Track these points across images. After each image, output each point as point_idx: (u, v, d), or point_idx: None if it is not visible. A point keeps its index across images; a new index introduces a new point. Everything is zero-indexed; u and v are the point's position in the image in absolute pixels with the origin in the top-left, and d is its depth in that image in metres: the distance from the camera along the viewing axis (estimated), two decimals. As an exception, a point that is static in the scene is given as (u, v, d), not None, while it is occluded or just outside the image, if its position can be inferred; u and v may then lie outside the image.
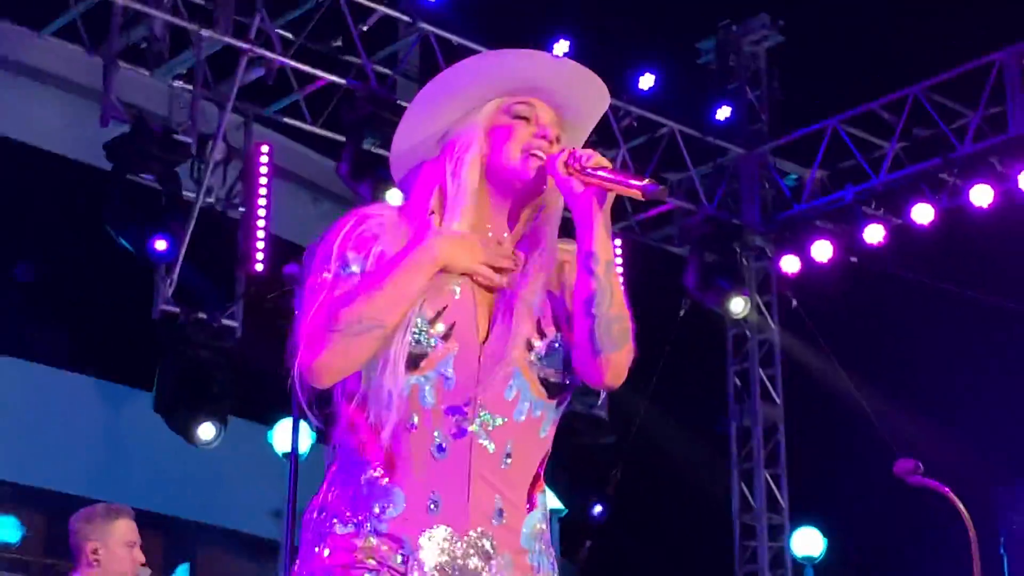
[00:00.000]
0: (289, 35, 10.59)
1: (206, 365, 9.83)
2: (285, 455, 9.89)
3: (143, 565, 5.74)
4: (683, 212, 12.90)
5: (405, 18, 10.97)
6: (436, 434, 2.64)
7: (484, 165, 2.76)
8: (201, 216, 10.00)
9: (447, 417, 2.64)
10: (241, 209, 10.29)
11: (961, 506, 5.24)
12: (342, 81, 10.65)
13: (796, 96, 13.12)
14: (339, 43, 10.71)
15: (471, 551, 2.64)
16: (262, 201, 10.22)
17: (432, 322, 2.66)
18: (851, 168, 12.49)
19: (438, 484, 2.63)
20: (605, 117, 12.10)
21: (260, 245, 10.12)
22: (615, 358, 2.68)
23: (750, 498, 13.07)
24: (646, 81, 12.23)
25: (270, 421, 10.54)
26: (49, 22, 9.93)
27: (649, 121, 12.46)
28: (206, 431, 9.69)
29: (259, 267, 10.06)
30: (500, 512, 2.67)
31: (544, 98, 2.82)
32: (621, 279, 2.76)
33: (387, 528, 2.61)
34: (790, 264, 12.75)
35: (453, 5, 11.20)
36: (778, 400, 13.21)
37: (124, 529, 5.70)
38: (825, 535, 13.19)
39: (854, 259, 12.48)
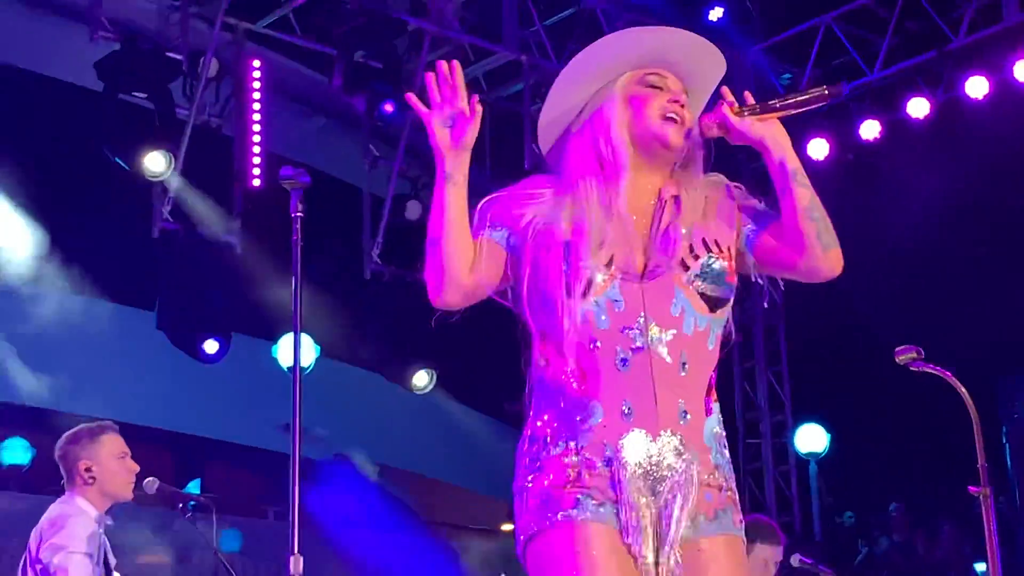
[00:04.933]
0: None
1: (207, 282, 9.87)
2: (290, 369, 9.95)
3: (139, 474, 5.80)
4: (678, 114, 12.83)
5: (393, -73, 10.86)
6: (618, 350, 3.02)
7: (630, 131, 3.16)
8: (195, 133, 9.98)
9: (623, 335, 3.02)
10: (235, 125, 10.26)
11: (963, 389, 5.26)
12: (332, -7, 10.57)
13: (788, -7, 13.03)
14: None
15: (665, 449, 3.01)
16: (256, 117, 10.18)
17: (594, 255, 3.05)
18: (845, 64, 12.43)
19: (628, 393, 3.00)
20: (597, 20, 12.07)
21: (256, 161, 10.10)
22: (837, 250, 3.20)
23: (752, 396, 13.16)
24: (638, -17, 12.14)
25: (274, 336, 10.59)
26: (34, -57, 9.86)
27: (642, 23, 12.37)
28: (210, 347, 9.73)
29: (256, 183, 10.06)
30: (684, 414, 3.04)
31: (670, 69, 3.24)
32: None
33: (591, 437, 2.99)
34: (787, 163, 12.71)
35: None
36: (778, 300, 13.24)
37: (112, 443, 5.77)
38: (828, 431, 13.31)
39: (851, 156, 12.45)
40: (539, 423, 3.09)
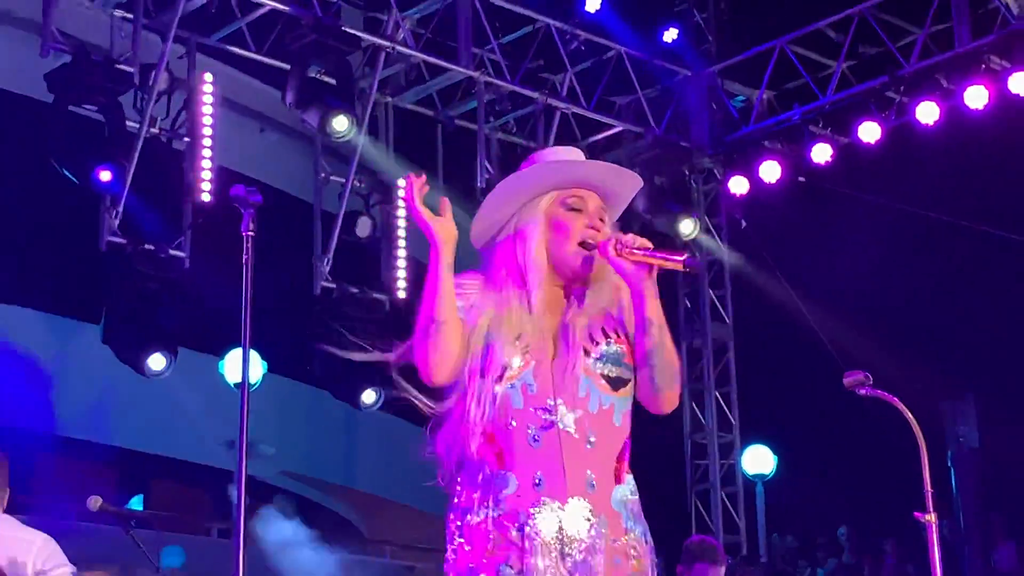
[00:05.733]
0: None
1: (154, 296, 9.79)
2: (236, 385, 9.90)
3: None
4: (632, 135, 12.89)
5: (346, -58, 10.86)
6: (530, 428, 3.42)
7: (549, 251, 3.56)
8: (146, 147, 9.92)
9: (535, 414, 3.43)
10: (186, 139, 10.21)
11: (910, 415, 5.27)
12: (286, 8, 10.54)
13: (743, 17, 13.10)
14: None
15: (574, 515, 3.39)
16: (207, 131, 10.14)
17: (511, 345, 3.46)
18: (798, 88, 12.51)
19: (539, 466, 3.40)
20: (553, 41, 12.10)
21: (207, 175, 10.06)
22: (670, 394, 3.53)
23: (701, 417, 13.19)
24: (593, 3, 12.17)
25: (220, 352, 10.52)
26: (-15, -47, 9.79)
27: (596, 44, 12.43)
28: (156, 362, 9.68)
29: (206, 197, 10.01)
30: (592, 484, 3.42)
31: (591, 188, 3.63)
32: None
33: (506, 505, 3.38)
34: (739, 185, 12.78)
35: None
36: (728, 320, 13.30)
37: None
38: (775, 452, 13.35)
39: (802, 179, 12.52)
40: (464, 494, 3.48)
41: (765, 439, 13.33)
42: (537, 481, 3.39)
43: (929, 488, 5.26)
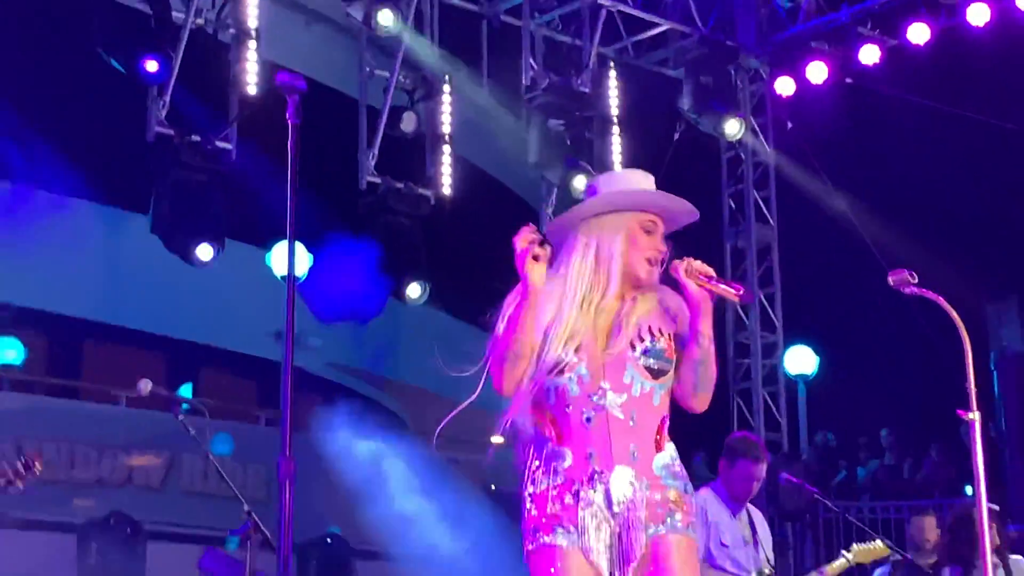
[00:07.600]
0: None
1: (202, 187, 9.85)
2: (283, 277, 9.97)
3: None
4: (678, 34, 12.78)
5: None
6: (584, 411, 4.14)
7: (623, 261, 4.26)
8: (192, 38, 9.92)
9: (588, 399, 4.15)
10: (232, 32, 10.20)
11: (954, 314, 5.25)
12: (331, -100, 10.48)
13: (793, -87, 12.91)
14: None
15: (620, 480, 4.13)
16: (253, 23, 10.12)
17: (567, 343, 4.15)
18: (848, -13, 12.36)
19: (591, 442, 4.15)
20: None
21: (252, 68, 10.05)
22: (705, 396, 4.27)
23: (744, 317, 13.19)
24: (640, -101, 12.04)
25: (267, 244, 10.59)
26: None
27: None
28: (204, 252, 9.76)
29: (252, 90, 10.01)
30: (634, 454, 4.16)
31: (661, 214, 4.33)
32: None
33: (563, 476, 4.15)
34: (785, 86, 12.69)
35: None
36: (772, 221, 13.25)
37: None
38: (818, 353, 13.38)
39: (849, 80, 12.42)
40: (533, 466, 4.23)
41: (808, 340, 13.35)
42: (590, 454, 4.12)
43: (972, 386, 5.25)
